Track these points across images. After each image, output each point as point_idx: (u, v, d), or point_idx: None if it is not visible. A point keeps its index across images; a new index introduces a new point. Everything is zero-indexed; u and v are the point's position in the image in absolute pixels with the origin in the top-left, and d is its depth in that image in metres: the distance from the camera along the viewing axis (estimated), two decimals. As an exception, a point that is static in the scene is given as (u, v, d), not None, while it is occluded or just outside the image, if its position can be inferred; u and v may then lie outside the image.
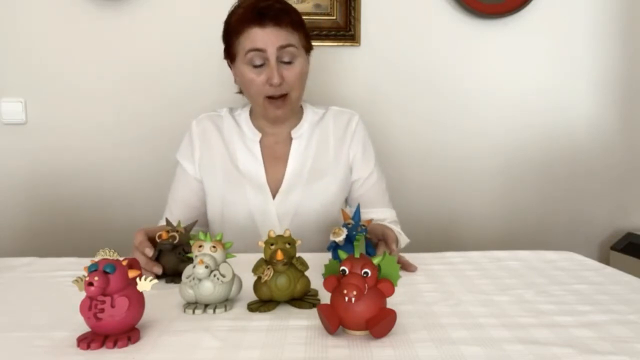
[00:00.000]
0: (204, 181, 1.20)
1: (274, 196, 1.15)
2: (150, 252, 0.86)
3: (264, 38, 1.06)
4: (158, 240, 0.86)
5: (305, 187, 1.16)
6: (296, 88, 1.12)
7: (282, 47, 1.07)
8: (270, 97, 1.10)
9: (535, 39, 1.74)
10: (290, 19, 1.09)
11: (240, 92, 1.21)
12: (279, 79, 1.07)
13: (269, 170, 1.17)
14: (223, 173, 1.17)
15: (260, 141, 1.19)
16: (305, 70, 1.14)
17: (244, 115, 1.22)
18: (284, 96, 1.11)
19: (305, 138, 1.20)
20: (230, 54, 1.14)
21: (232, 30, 1.10)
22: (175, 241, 0.85)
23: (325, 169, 1.18)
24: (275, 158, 1.19)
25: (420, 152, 1.77)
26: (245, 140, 1.20)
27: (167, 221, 0.92)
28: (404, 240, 1.19)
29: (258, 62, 1.08)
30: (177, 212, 1.18)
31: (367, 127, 1.25)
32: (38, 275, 0.90)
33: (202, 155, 1.19)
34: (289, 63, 1.09)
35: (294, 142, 1.19)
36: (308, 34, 1.16)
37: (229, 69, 1.18)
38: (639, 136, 1.81)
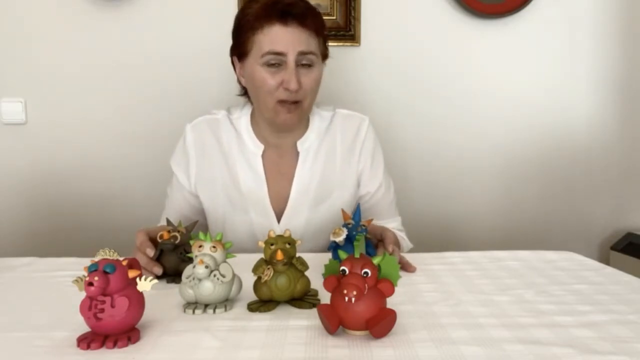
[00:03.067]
0: (201, 197, 1.13)
1: (278, 218, 1.09)
2: (151, 252, 0.86)
3: (286, 39, 0.98)
4: (159, 241, 0.86)
5: (311, 207, 1.10)
6: (309, 96, 1.04)
7: (303, 53, 0.99)
8: (282, 101, 1.02)
9: (535, 39, 1.74)
10: (315, 23, 1.01)
11: (243, 94, 1.13)
12: (296, 85, 0.98)
13: (272, 188, 1.10)
14: (223, 192, 1.11)
15: (263, 154, 1.11)
16: (320, 78, 1.06)
17: (244, 121, 1.13)
18: (296, 102, 1.02)
19: (313, 151, 1.12)
20: (241, 51, 1.04)
21: (248, 25, 1.01)
22: (177, 241, 0.85)
23: (333, 185, 1.12)
24: (279, 174, 1.11)
25: (420, 152, 1.77)
26: (245, 153, 1.11)
27: (168, 221, 0.92)
28: (407, 245, 1.16)
29: (274, 63, 0.99)
30: (173, 220, 1.12)
31: (376, 130, 1.18)
32: (38, 275, 0.89)
33: (199, 170, 1.12)
34: (308, 68, 1.02)
35: (300, 156, 1.11)
36: (327, 40, 1.09)
37: (230, 66, 1.13)
38: (639, 136, 1.81)
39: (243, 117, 1.13)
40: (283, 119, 1.04)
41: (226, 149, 1.12)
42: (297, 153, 1.12)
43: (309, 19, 1.00)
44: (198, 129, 1.13)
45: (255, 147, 1.11)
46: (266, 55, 0.99)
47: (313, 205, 1.10)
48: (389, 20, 1.70)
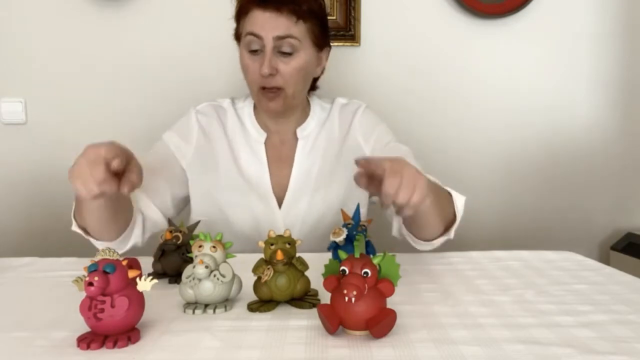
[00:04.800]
0: (196, 181, 1.11)
1: (279, 204, 1.10)
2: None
3: (263, 23, 0.99)
4: (161, 241, 0.86)
5: (312, 194, 1.10)
6: (292, 84, 1.03)
7: (279, 38, 0.99)
8: (263, 88, 1.03)
9: (535, 39, 1.74)
10: (295, 7, 1.00)
11: None
12: (269, 69, 0.99)
13: (273, 174, 1.11)
14: (226, 177, 1.11)
15: (265, 142, 1.13)
16: (306, 66, 1.04)
17: (247, 110, 1.15)
18: (277, 89, 1.03)
19: (312, 138, 1.14)
20: (237, 36, 1.08)
21: (239, 11, 1.05)
22: (179, 242, 0.85)
23: (333, 172, 1.12)
24: (280, 160, 1.13)
25: (420, 152, 1.74)
26: (248, 140, 1.13)
27: (170, 222, 0.92)
28: (459, 198, 1.02)
29: (255, 47, 1.01)
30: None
31: (376, 114, 1.18)
32: (38, 275, 0.90)
33: (200, 150, 1.11)
34: (288, 55, 1.01)
35: (299, 143, 1.13)
36: (324, 28, 1.07)
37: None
38: (639, 136, 1.81)
39: (246, 108, 1.16)
40: (266, 106, 1.06)
41: (230, 136, 1.13)
42: (297, 140, 1.14)
43: (288, 5, 1.00)
44: (204, 111, 1.15)
45: (258, 135, 1.13)
46: (246, 36, 1.02)
47: (314, 191, 1.11)
48: (389, 20, 1.70)
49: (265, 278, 0.69)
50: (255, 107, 1.16)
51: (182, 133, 1.13)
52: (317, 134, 1.15)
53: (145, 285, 0.61)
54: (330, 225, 1.06)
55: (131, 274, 0.61)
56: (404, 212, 0.73)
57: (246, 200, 1.10)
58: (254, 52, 1.02)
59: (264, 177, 1.11)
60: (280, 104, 1.05)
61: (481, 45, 1.73)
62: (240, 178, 1.11)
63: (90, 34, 1.65)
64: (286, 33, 1.00)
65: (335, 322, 0.60)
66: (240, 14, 1.05)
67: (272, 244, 0.69)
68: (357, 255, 0.62)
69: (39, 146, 1.68)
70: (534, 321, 0.66)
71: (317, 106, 1.17)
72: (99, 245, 0.96)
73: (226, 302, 0.71)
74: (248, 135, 1.13)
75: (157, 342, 0.60)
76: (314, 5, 1.04)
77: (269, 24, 0.99)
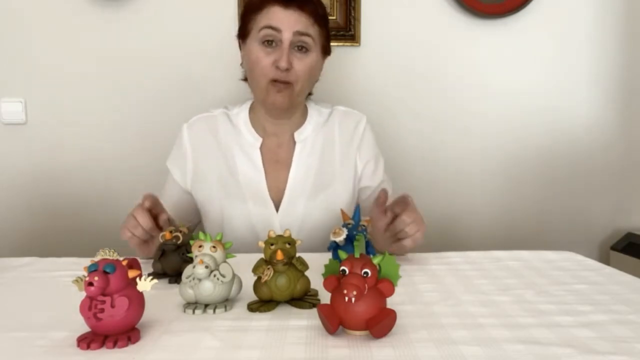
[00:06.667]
0: (197, 194, 1.15)
1: (277, 207, 1.10)
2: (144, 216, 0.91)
3: (283, 18, 1.02)
4: (161, 241, 0.86)
5: (309, 198, 1.11)
6: (302, 81, 1.06)
7: (299, 33, 1.02)
8: (273, 81, 1.04)
9: (535, 39, 1.74)
10: (315, 9, 1.05)
11: (245, 79, 1.15)
12: (287, 63, 1.01)
13: (270, 177, 1.12)
14: (220, 185, 1.12)
15: (261, 145, 1.14)
16: (315, 67, 1.08)
17: (242, 116, 1.16)
18: (287, 83, 1.05)
19: (310, 142, 1.14)
20: (244, 32, 1.09)
21: (252, 7, 1.06)
22: (179, 241, 0.85)
23: (331, 177, 1.13)
24: (277, 162, 1.13)
25: (420, 152, 1.77)
26: (243, 146, 1.14)
27: (170, 221, 0.92)
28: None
29: (270, 41, 1.03)
30: None
31: (373, 129, 1.21)
32: (38, 275, 0.89)
33: (195, 167, 1.14)
34: (302, 53, 1.05)
35: (297, 146, 1.14)
36: (329, 35, 1.11)
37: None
38: (639, 136, 1.81)
39: (242, 113, 1.16)
40: (273, 99, 1.06)
41: (224, 143, 1.14)
42: (295, 143, 1.14)
43: (310, 5, 1.03)
44: (194, 127, 1.16)
45: (253, 139, 1.14)
46: (263, 29, 1.03)
47: (311, 195, 1.11)
48: (389, 20, 1.70)
49: (265, 278, 0.69)
50: (251, 112, 1.16)
51: (178, 159, 1.17)
52: (314, 137, 1.15)
53: (145, 285, 0.61)
54: (327, 228, 1.06)
55: (131, 274, 0.61)
56: (405, 242, 0.93)
57: (243, 205, 1.11)
58: (267, 46, 1.04)
59: (260, 181, 1.11)
60: (287, 98, 1.06)
61: (481, 46, 1.73)
62: (235, 184, 1.12)
63: (91, 35, 1.65)
64: (305, 30, 1.03)
65: (335, 322, 0.60)
66: (253, 10, 1.05)
67: (272, 244, 0.69)
68: (357, 255, 0.61)
69: (39, 146, 1.68)
70: (534, 321, 0.66)
71: (314, 111, 1.18)
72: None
73: (226, 302, 0.71)
74: (243, 141, 1.14)
75: (157, 342, 0.60)
76: (326, 12, 1.09)
77: (290, 20, 1.02)
